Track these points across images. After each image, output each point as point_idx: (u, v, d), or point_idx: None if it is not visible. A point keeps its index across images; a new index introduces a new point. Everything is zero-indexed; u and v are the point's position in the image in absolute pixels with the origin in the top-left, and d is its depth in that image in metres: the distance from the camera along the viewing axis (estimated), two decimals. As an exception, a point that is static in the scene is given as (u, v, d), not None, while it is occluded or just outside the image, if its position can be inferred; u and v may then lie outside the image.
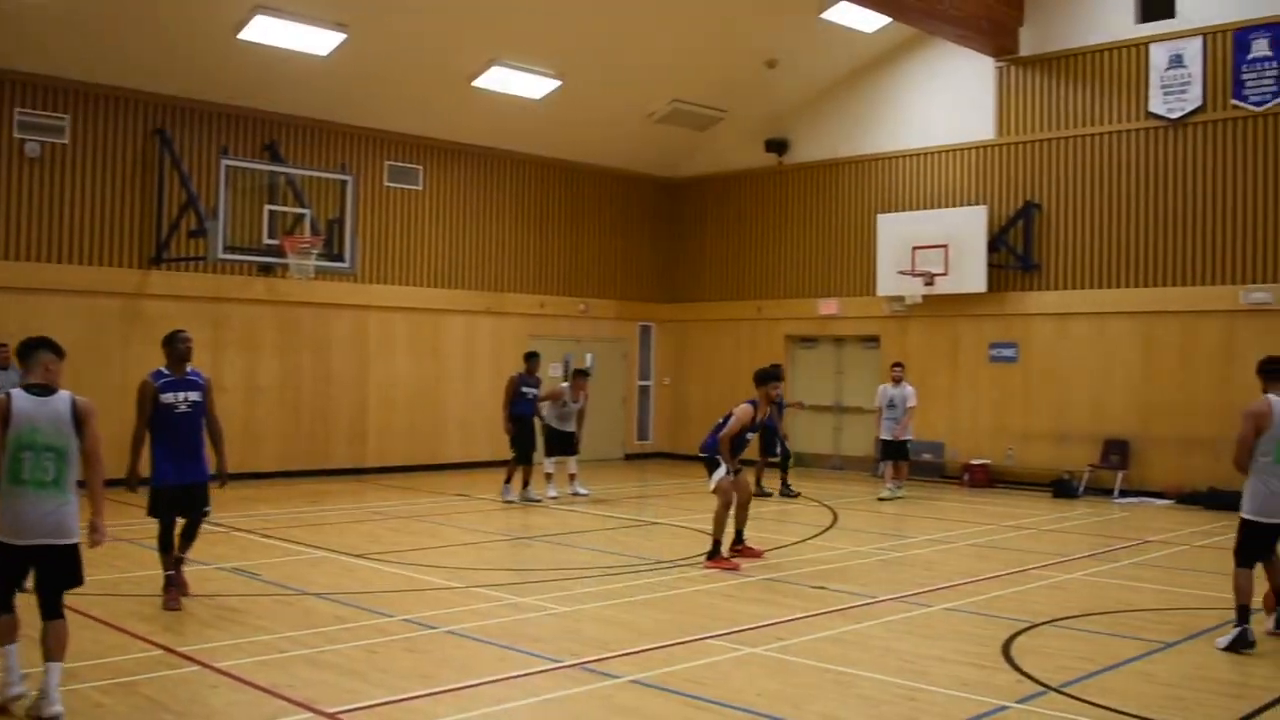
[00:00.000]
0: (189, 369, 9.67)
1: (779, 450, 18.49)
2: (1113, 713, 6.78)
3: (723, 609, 9.65)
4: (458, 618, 9.08)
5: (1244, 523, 8.71)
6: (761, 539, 13.51)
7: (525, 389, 16.90)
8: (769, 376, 12.41)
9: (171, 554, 9.60)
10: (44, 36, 16.43)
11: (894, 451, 18.29)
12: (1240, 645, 8.30)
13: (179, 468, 9.46)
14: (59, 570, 6.80)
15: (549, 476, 17.34)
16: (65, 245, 17.53)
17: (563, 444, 17.28)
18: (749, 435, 12.19)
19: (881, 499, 17.88)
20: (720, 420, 12.14)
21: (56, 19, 16.09)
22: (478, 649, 8.16)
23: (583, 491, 17.31)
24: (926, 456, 20.82)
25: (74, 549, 6.84)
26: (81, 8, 16.02)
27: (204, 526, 10.06)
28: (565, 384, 17.52)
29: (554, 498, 17.05)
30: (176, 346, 9.59)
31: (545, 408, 17.15)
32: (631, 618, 9.24)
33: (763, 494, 17.90)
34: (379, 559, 11.83)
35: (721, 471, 11.82)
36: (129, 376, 16.95)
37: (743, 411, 11.95)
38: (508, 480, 16.88)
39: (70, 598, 7.08)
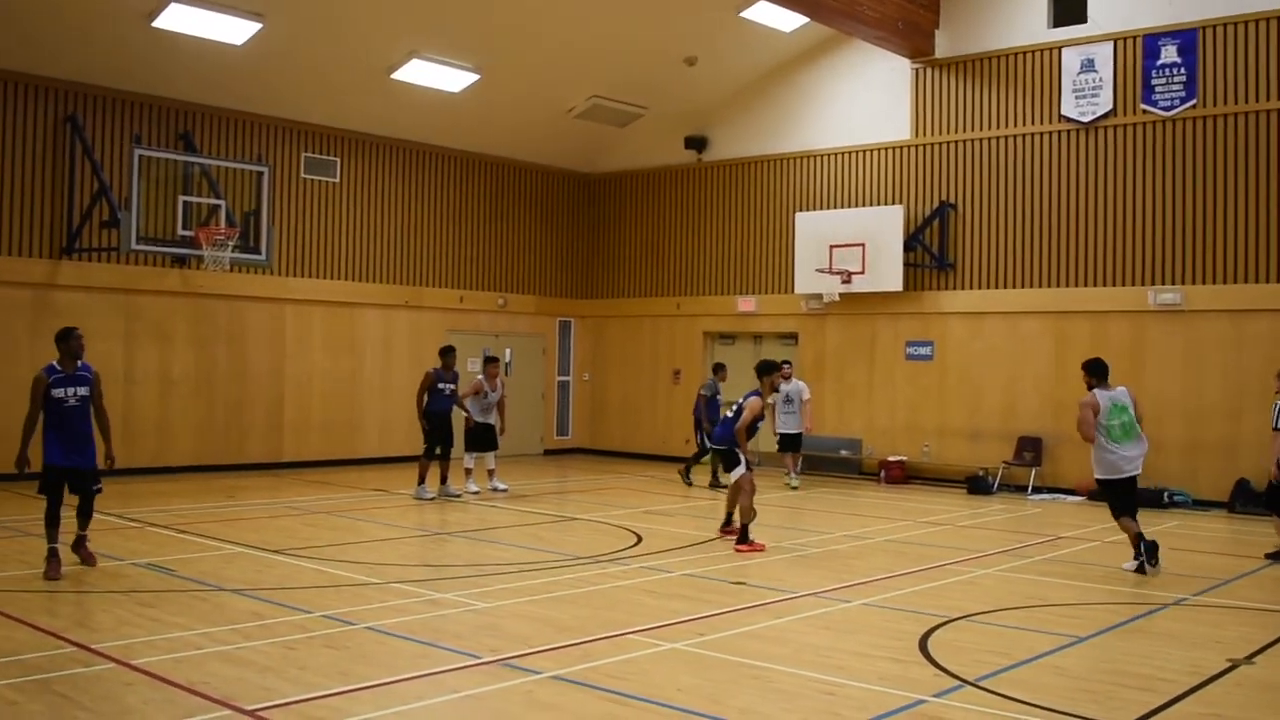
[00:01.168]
0: (80, 364, 10.67)
1: (704, 441, 18.84)
2: (1027, 706, 6.91)
3: (643, 604, 9.68)
4: (377, 614, 9.02)
5: (1101, 483, 11.72)
6: (681, 534, 13.59)
7: (441, 385, 16.79)
8: (771, 367, 13.62)
9: (57, 529, 10.42)
10: (-50, 20, 16.06)
11: (792, 444, 19.38)
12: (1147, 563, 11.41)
13: (66, 452, 10.46)
14: None
15: (468, 472, 17.31)
16: (-29, 234, 17.13)
17: (484, 438, 17.26)
18: (759, 424, 13.19)
19: (794, 488, 18.84)
20: (729, 414, 13.20)
21: (-37, 2, 15.73)
22: (397, 645, 8.12)
23: (501, 487, 17.29)
24: (844, 453, 21.06)
25: None
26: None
27: (118, 522, 10.00)
28: (480, 376, 17.51)
29: (474, 493, 17.01)
30: (70, 344, 10.62)
31: (469, 402, 17.13)
32: (552, 613, 9.24)
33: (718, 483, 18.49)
34: (296, 555, 11.71)
35: (742, 466, 12.78)
36: (36, 370, 16.67)
37: (752, 403, 12.89)
38: (421, 478, 16.76)
39: None
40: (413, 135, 22.21)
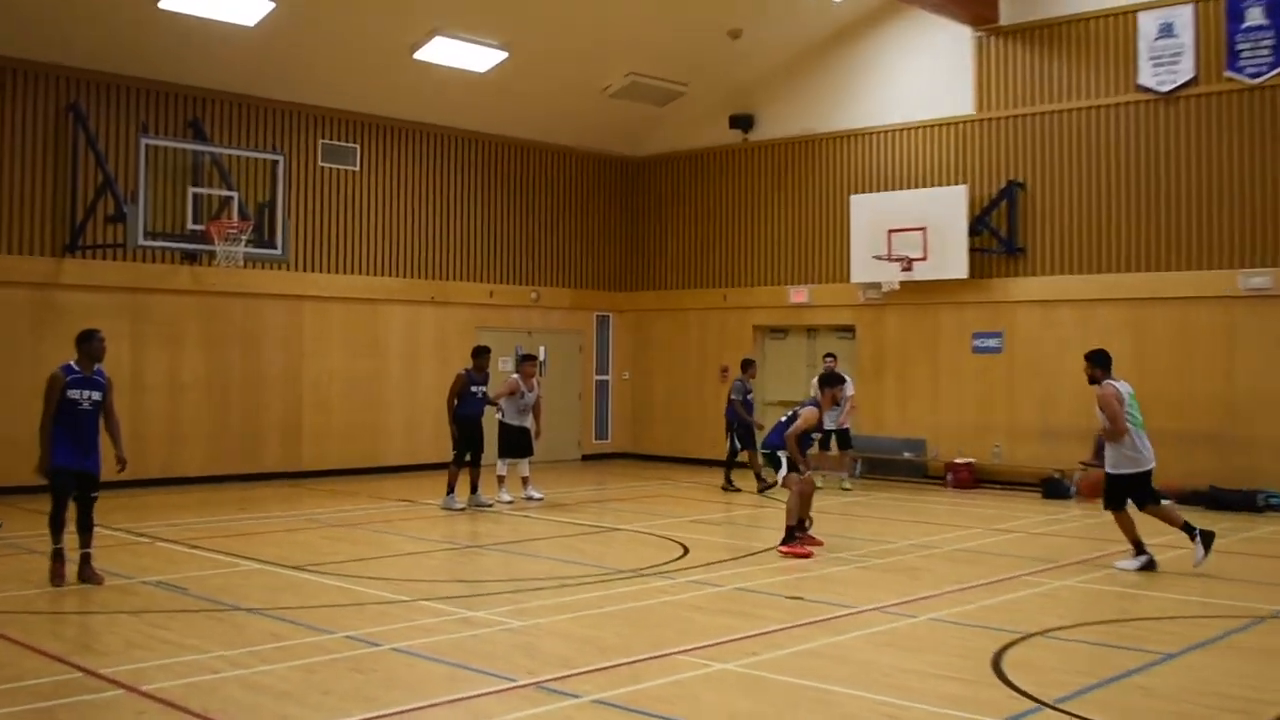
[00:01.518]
0: (95, 368, 11.04)
1: (734, 444, 19.50)
2: (1112, 728, 6.82)
3: (691, 621, 9.63)
4: (404, 634, 9.01)
5: (1124, 478, 12.12)
6: (732, 545, 13.53)
7: (474, 388, 16.75)
8: (836, 380, 14.03)
9: (63, 531, 10.86)
10: (-56, 3, 16.21)
11: (842, 441, 19.56)
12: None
13: (77, 455, 10.86)
14: None
15: (501, 480, 17.33)
16: (-31, 232, 17.30)
17: (518, 443, 17.30)
18: (813, 435, 13.84)
19: (845, 489, 19.20)
20: (783, 419, 13.47)
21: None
22: (427, 668, 8.09)
23: (536, 495, 17.28)
24: (907, 455, 20.90)
25: None
26: (-15, -28, 15.82)
27: (127, 537, 10.07)
28: (515, 375, 17.54)
29: (508, 502, 17.01)
30: (91, 346, 10.99)
31: (505, 404, 17.22)
32: (593, 632, 9.20)
33: (766, 485, 18.68)
34: (317, 570, 11.73)
35: (785, 469, 13.28)
36: (40, 375, 16.76)
37: (809, 413, 13.12)
38: (451, 487, 16.74)
39: None
40: (437, 119, 22.25)
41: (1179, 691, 7.68)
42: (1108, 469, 12.28)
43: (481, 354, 17.03)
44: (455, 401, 16.63)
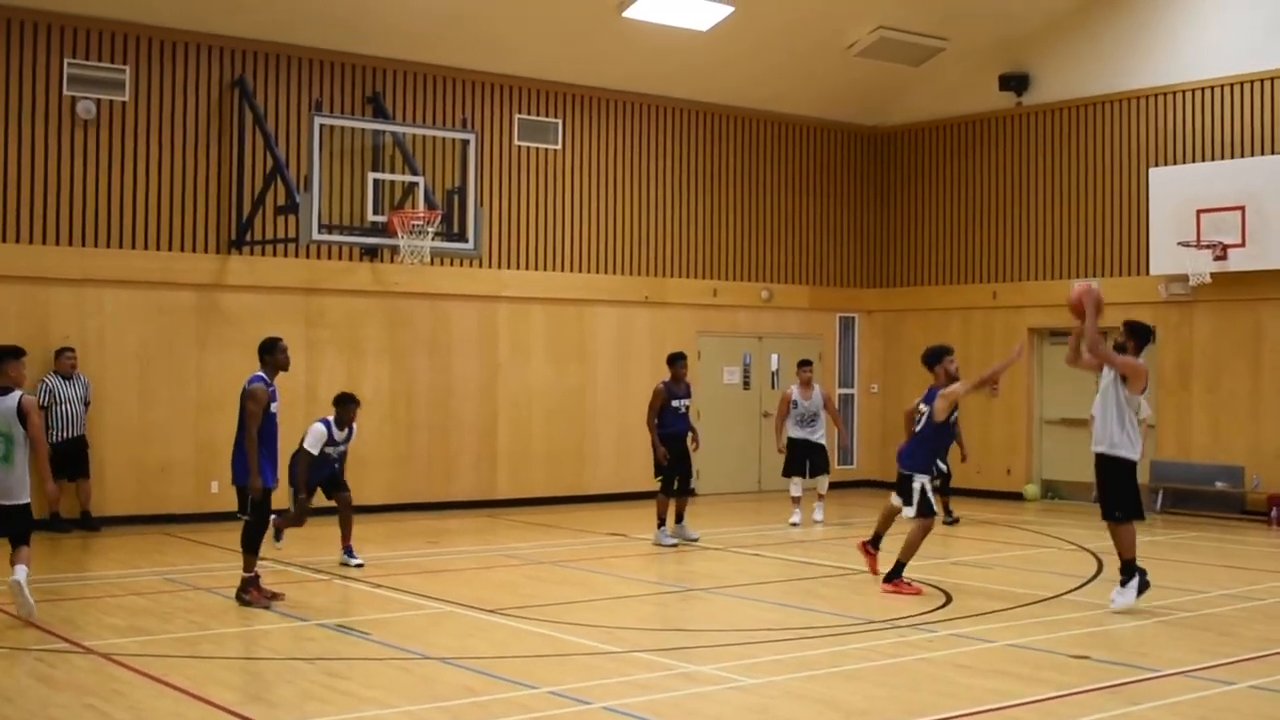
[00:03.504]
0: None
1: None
2: None
3: (955, 683, 9.54)
4: (616, 691, 9.14)
5: (1132, 468, 12.52)
6: (1002, 592, 13.35)
7: (675, 401, 17.01)
8: (942, 352, 14.03)
9: (256, 556, 12.20)
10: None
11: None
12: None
13: (272, 471, 12.23)
14: (14, 524, 11.34)
15: (796, 500, 18.72)
16: (128, 227, 18.23)
17: (804, 458, 18.81)
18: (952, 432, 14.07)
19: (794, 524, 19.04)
20: (918, 426, 13.76)
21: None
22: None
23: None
24: (1220, 485, 20.30)
25: (25, 508, 11.41)
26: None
27: (300, 573, 10.47)
28: (793, 386, 18.99)
29: (794, 525, 18.60)
30: (277, 356, 12.38)
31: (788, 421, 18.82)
32: (836, 693, 9.19)
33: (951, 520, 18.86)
34: (515, 615, 11.99)
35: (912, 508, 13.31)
36: (207, 385, 17.63)
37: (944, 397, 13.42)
38: (661, 520, 16.93)
39: (145, 662, 8.58)
40: (651, 88, 22.49)
41: None
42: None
43: (678, 361, 17.17)
44: (656, 420, 16.84)
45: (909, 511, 13.27)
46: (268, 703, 8.80)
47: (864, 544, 14.20)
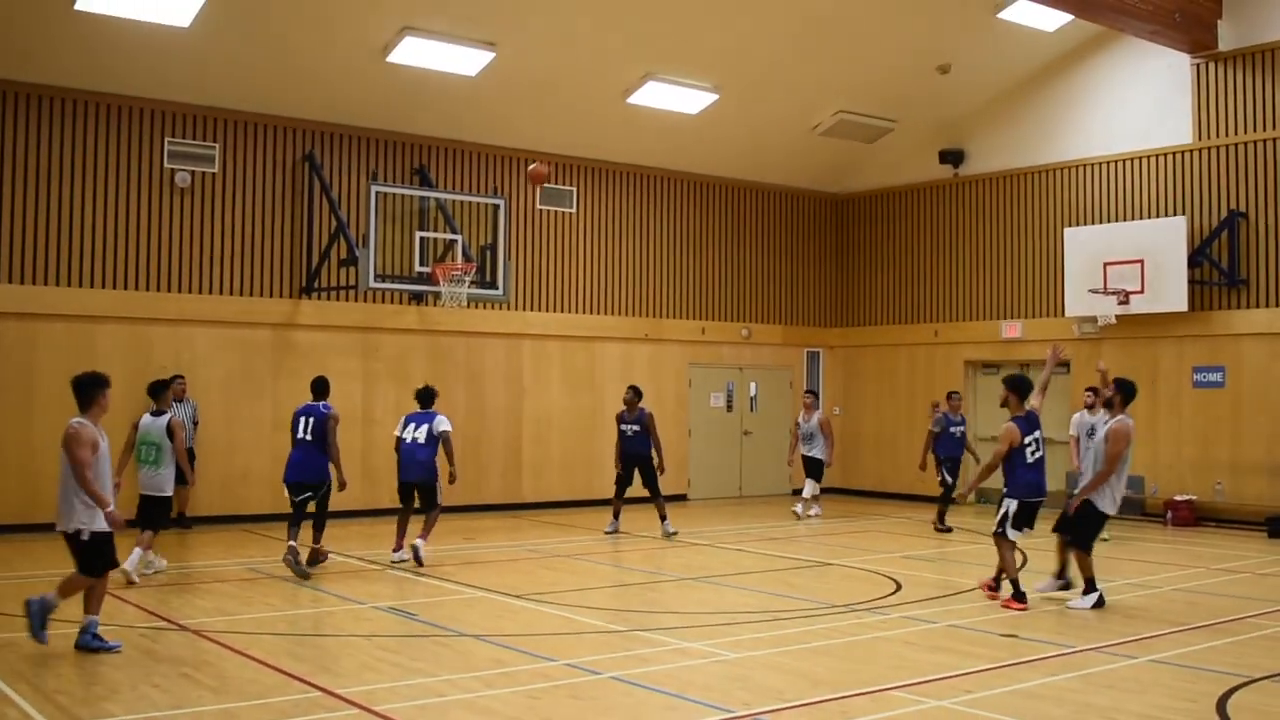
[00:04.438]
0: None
1: (945, 479, 19.11)
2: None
3: (905, 657, 9.53)
4: (622, 663, 9.15)
5: (1099, 517, 12.19)
6: (945, 582, 13.34)
7: (621, 425, 17.73)
8: (1022, 384, 12.37)
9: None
10: (193, 65, 17.18)
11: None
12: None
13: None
14: (156, 511, 12.89)
15: (811, 500, 20.05)
16: (215, 275, 18.26)
17: (807, 470, 20.13)
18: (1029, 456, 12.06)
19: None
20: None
21: (204, 49, 16.80)
22: (643, 696, 8.21)
23: (814, 513, 19.97)
24: (1127, 493, 20.21)
25: (167, 500, 13.09)
26: (227, 38, 16.70)
27: (358, 564, 10.46)
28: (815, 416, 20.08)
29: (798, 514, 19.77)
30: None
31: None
32: (805, 665, 9.19)
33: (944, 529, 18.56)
34: (538, 599, 12.00)
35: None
36: (280, 408, 17.67)
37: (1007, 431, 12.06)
38: (615, 515, 17.91)
39: (230, 638, 8.67)
40: (650, 161, 22.58)
41: None
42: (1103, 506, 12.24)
43: (626, 393, 17.94)
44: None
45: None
46: (333, 673, 8.80)
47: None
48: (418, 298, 19.46)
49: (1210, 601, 12.40)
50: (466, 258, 18.60)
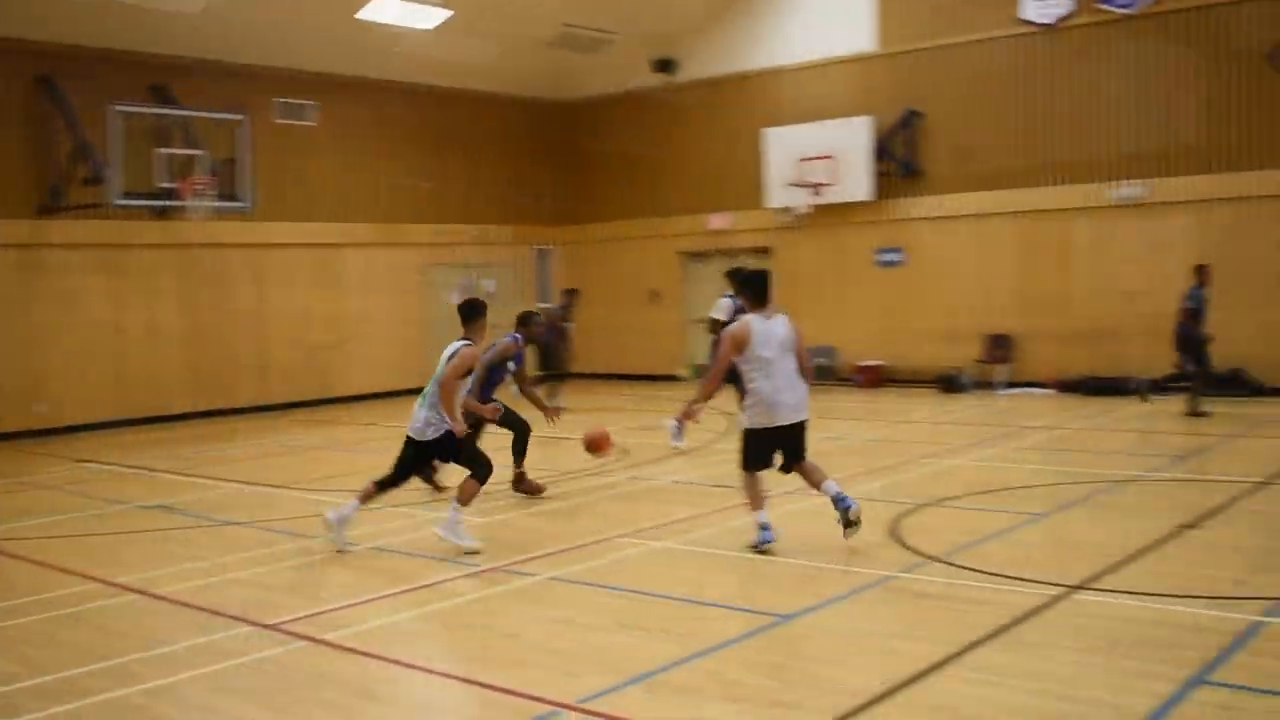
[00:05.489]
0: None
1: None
2: (983, 574, 7.52)
3: (621, 512, 10.29)
4: (376, 536, 9.57)
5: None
6: (664, 446, 14.08)
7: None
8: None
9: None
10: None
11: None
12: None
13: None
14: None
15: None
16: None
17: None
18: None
19: None
20: None
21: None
22: (402, 561, 8.66)
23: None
24: (820, 361, 21.51)
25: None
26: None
27: (123, 470, 10.41)
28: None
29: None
30: (531, 329, 11.43)
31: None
32: (543, 524, 9.83)
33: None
34: (296, 488, 12.25)
35: None
36: (32, 331, 17.04)
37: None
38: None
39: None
40: (387, 74, 22.30)
41: (1046, 541, 8.46)
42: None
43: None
44: None
45: None
46: (109, 565, 8.90)
47: None
48: (162, 212, 18.92)
49: (891, 447, 13.51)
50: (210, 172, 18.24)
